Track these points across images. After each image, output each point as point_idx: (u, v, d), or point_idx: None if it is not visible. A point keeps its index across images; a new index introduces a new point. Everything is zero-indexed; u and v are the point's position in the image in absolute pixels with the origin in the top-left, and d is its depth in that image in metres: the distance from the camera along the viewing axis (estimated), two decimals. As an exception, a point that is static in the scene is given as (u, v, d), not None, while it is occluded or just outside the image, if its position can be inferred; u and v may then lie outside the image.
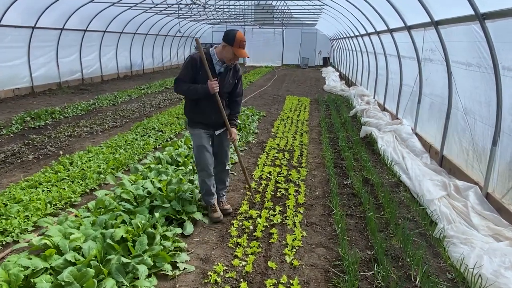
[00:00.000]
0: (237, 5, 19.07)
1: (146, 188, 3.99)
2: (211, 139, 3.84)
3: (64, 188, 4.41)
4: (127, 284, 2.66)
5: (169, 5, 15.14)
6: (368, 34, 10.96)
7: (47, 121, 8.08)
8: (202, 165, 3.75)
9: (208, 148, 3.75)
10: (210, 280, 2.92)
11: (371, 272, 3.10)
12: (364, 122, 8.35)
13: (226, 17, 23.54)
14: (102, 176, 4.88)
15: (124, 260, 2.73)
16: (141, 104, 10.60)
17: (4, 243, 3.34)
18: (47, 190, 4.37)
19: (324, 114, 9.84)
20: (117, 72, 17.92)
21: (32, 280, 2.51)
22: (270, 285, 2.86)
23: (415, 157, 5.88)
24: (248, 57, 3.46)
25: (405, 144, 6.58)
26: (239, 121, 3.78)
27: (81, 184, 4.58)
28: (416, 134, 6.76)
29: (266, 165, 5.66)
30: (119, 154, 5.75)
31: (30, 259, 2.71)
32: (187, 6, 15.83)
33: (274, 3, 17.48)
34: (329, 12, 14.85)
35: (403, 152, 6.06)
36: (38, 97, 11.42)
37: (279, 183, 4.99)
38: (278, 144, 6.81)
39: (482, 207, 4.05)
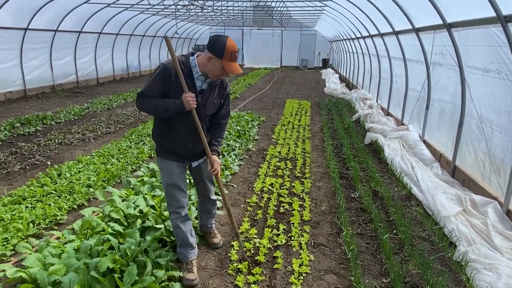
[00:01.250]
0: (236, 6, 18.77)
1: (138, 206, 3.65)
2: (186, 172, 3.11)
3: (49, 204, 4.06)
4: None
5: (166, 6, 14.83)
6: (371, 36, 10.64)
7: (37, 127, 7.73)
8: (174, 208, 2.94)
9: (182, 186, 2.95)
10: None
11: (388, 305, 2.77)
12: (369, 128, 8.03)
13: (224, 18, 23.25)
14: (91, 189, 4.53)
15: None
16: (136, 109, 10.24)
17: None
18: (31, 207, 4.02)
19: (326, 118, 9.52)
20: (113, 75, 17.57)
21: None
22: (276, 323, 2.53)
23: (425, 167, 5.56)
24: (242, 72, 2.80)
25: (412, 152, 6.26)
26: (221, 147, 3.13)
27: (68, 200, 4.24)
28: (424, 142, 6.44)
29: (267, 176, 5.33)
30: (111, 165, 5.41)
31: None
32: (184, 7, 15.51)
33: (273, 4, 17.20)
34: (330, 13, 14.55)
35: (412, 161, 5.74)
36: (30, 101, 11.05)
37: (282, 196, 4.66)
38: (279, 152, 6.48)
39: (504, 225, 3.73)
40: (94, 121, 8.52)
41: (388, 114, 9.22)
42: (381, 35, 9.24)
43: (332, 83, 17.22)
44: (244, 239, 3.63)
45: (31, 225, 3.62)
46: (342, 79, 19.38)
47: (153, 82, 2.69)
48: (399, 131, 7.26)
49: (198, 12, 18.99)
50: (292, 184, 5.04)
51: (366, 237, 3.78)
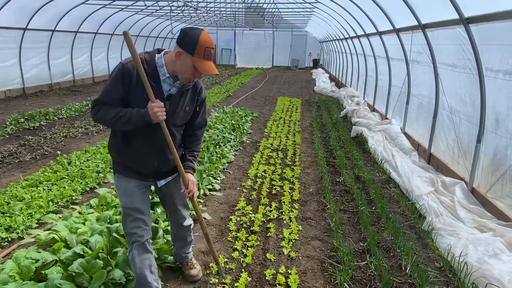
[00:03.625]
0: (228, 8, 19.24)
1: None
2: (150, 191, 2.63)
3: (64, 187, 4.50)
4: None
5: (160, 7, 15.26)
6: (358, 37, 11.20)
7: (41, 122, 8.12)
8: (132, 236, 2.39)
9: (144, 210, 2.41)
10: (212, 271, 3.06)
11: (364, 262, 3.27)
12: (355, 122, 8.57)
13: (217, 19, 23.70)
14: (101, 175, 4.98)
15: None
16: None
17: (9, 239, 3.43)
18: (48, 189, 4.45)
19: (316, 114, 10.04)
20: (108, 74, 17.89)
21: (43, 272, 2.62)
22: (270, 275, 3.02)
23: (404, 155, 6.09)
24: (217, 73, 2.18)
25: (394, 143, 6.79)
26: (196, 163, 2.61)
27: (81, 183, 4.68)
28: (405, 134, 6.98)
29: (261, 164, 5.82)
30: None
31: (39, 252, 2.83)
32: (178, 8, 15.94)
33: (264, 5, 17.71)
34: (319, 14, 15.09)
35: (393, 150, 6.27)
36: (29, 99, 11.40)
37: (274, 181, 5.15)
38: (271, 144, 6.97)
39: (468, 201, 4.26)
40: (94, 117, 8.92)
41: (373, 110, 9.77)
42: (367, 35, 9.79)
43: (322, 82, 17.77)
44: (240, 214, 4.11)
45: (50, 203, 4.06)
46: (332, 78, 19.95)
47: (111, 87, 2.18)
48: (382, 124, 7.80)
49: (191, 13, 19.45)
50: (284, 171, 5.54)
51: (348, 213, 4.28)
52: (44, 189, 4.43)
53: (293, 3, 14.06)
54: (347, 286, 2.90)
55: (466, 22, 4.08)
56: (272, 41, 28.79)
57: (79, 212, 3.69)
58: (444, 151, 5.27)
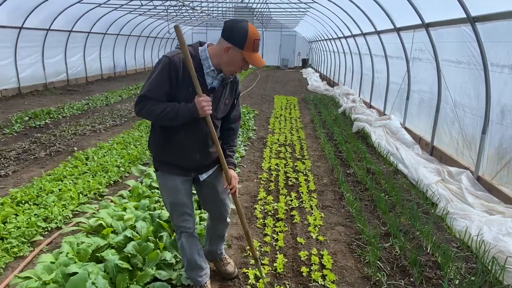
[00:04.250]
0: (219, 7, 19.39)
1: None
2: (195, 187, 2.59)
3: (88, 181, 4.62)
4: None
5: (155, 6, 15.31)
6: (353, 36, 11.52)
7: (46, 121, 8.15)
8: (181, 229, 2.49)
9: (189, 205, 2.47)
10: (249, 254, 3.26)
11: (388, 244, 3.51)
12: (355, 118, 8.86)
13: (207, 19, 23.78)
14: (121, 169, 5.11)
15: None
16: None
17: (49, 228, 3.55)
18: (73, 183, 4.57)
19: (314, 111, 10.31)
20: (101, 73, 17.86)
21: (98, 254, 2.77)
22: (304, 256, 3.23)
23: (407, 148, 6.39)
24: (265, 64, 2.25)
25: (395, 137, 7.09)
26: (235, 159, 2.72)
27: (104, 177, 4.80)
28: (405, 128, 7.29)
29: (272, 158, 6.02)
30: (130, 150, 5.98)
31: (89, 238, 2.97)
32: (171, 7, 16.02)
33: (256, 5, 17.93)
34: (313, 15, 15.38)
35: (396, 144, 6.56)
36: (27, 98, 11.34)
37: (288, 173, 5.36)
38: (278, 139, 7.18)
39: (475, 188, 4.56)
40: (98, 115, 8.99)
41: (370, 106, 10.09)
42: (364, 34, 10.11)
43: (314, 81, 18.10)
44: (263, 203, 4.31)
45: (80, 195, 4.18)
46: (323, 77, 20.30)
47: (157, 81, 2.13)
48: (382, 120, 8.11)
49: (183, 12, 19.52)
50: (295, 164, 5.76)
51: (364, 201, 4.53)
52: (69, 183, 4.54)
53: (287, 3, 14.30)
54: (378, 263, 3.14)
55: (473, 21, 4.38)
56: (262, 41, 29.00)
57: (113, 202, 3.83)
58: (448, 143, 5.57)
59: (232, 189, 2.43)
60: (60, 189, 4.30)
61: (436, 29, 5.66)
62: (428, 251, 3.41)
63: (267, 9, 18.55)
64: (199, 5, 16.75)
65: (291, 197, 4.50)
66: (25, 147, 6.19)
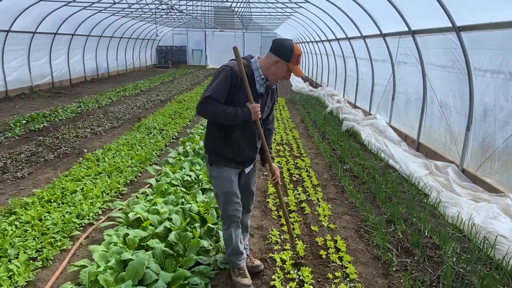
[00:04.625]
0: (199, 5, 19.56)
1: (190, 176, 4.60)
2: (238, 180, 2.90)
3: (107, 181, 4.87)
4: (214, 245, 3.31)
5: (141, 7, 15.40)
6: (338, 40, 12.06)
7: (44, 124, 8.25)
8: (232, 218, 2.81)
9: (238, 195, 2.82)
10: (271, 241, 3.63)
11: (391, 229, 3.97)
12: (343, 118, 9.36)
13: (186, 20, 23.90)
14: (135, 169, 5.38)
15: (209, 225, 3.38)
16: (127, 106, 10.92)
17: (83, 224, 3.82)
18: (92, 183, 4.81)
19: (303, 112, 10.77)
20: (84, 75, 17.77)
21: (144, 244, 3.08)
22: (320, 241, 3.63)
23: (395, 145, 6.92)
24: (304, 75, 2.83)
25: (383, 135, 7.62)
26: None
27: (120, 177, 5.06)
28: (391, 127, 7.83)
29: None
30: (137, 151, 6.23)
31: (129, 229, 3.28)
32: (157, 11, 16.16)
33: (239, 8, 18.25)
34: (296, 18, 15.86)
35: (385, 141, 7.08)
36: (16, 101, 11.30)
37: (291, 169, 5.77)
38: (275, 139, 7.58)
39: (460, 179, 5.09)
40: (93, 118, 9.14)
41: (355, 107, 10.63)
42: (349, 38, 10.64)
43: (297, 82, 18.60)
44: (274, 197, 4.69)
45: (103, 194, 4.45)
46: (305, 79, 20.84)
47: (220, 85, 2.53)
48: (369, 119, 8.64)
49: (164, 14, 19.61)
50: (295, 161, 6.17)
51: (363, 193, 4.98)
52: (88, 183, 4.78)
53: (273, 7, 14.71)
54: (388, 244, 3.58)
55: (458, 30, 4.91)
56: (243, 42, 29.37)
57: (138, 198, 4.12)
58: (435, 140, 6.11)
59: (275, 179, 2.89)
60: (82, 189, 4.55)
61: (422, 36, 6.19)
62: (426, 234, 3.88)
63: (249, 11, 18.92)
64: (178, 4, 16.88)
65: (298, 191, 4.90)
66: (32, 150, 6.35)
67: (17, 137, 7.19)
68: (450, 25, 5.01)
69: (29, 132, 7.61)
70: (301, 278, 3.06)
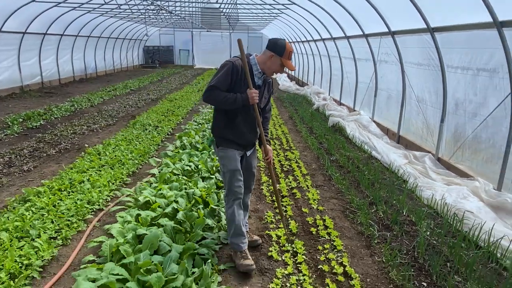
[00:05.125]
0: (186, 6, 19.83)
1: (190, 166, 4.99)
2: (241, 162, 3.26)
3: (110, 172, 5.21)
4: (216, 224, 3.71)
5: (130, 7, 15.62)
6: (323, 40, 12.55)
7: (41, 122, 8.49)
8: (236, 194, 3.15)
9: (242, 173, 3.19)
10: (267, 221, 4.05)
11: (373, 210, 4.42)
12: (329, 114, 9.84)
13: (173, 20, 24.12)
14: (136, 161, 5.72)
15: (212, 207, 3.77)
16: (119, 105, 11.19)
17: (94, 209, 4.16)
18: (97, 174, 5.14)
19: (291, 109, 11.23)
20: (73, 76, 17.89)
21: (155, 222, 3.46)
22: (311, 221, 4.06)
23: (377, 138, 7.42)
24: (294, 69, 3.02)
25: (366, 130, 8.12)
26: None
27: (123, 168, 5.40)
28: (374, 121, 8.34)
29: (264, 149, 6.82)
30: (136, 146, 6.57)
31: (139, 211, 3.65)
32: (140, 10, 16.39)
33: (225, 10, 18.61)
34: (283, 19, 16.32)
35: (369, 135, 7.58)
36: (8, 101, 11.45)
37: (282, 161, 6.19)
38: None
39: (436, 167, 5.60)
40: (88, 116, 9.40)
41: (340, 104, 11.14)
42: (333, 39, 11.14)
43: (284, 81, 19.08)
44: (267, 185, 5.11)
45: (109, 183, 4.79)
46: (291, 77, 21.35)
47: (224, 77, 2.94)
48: (353, 115, 9.14)
49: (151, 15, 19.83)
50: (286, 154, 6.60)
51: (348, 181, 5.44)
52: (94, 174, 5.11)
53: (260, 9, 15.13)
54: (371, 221, 4.04)
55: (432, 31, 5.41)
56: (229, 42, 29.73)
57: (143, 185, 4.48)
58: (413, 132, 6.62)
59: (268, 159, 3.27)
60: (88, 179, 4.88)
61: (401, 36, 6.70)
62: (404, 213, 4.35)
63: (236, 12, 19.30)
64: (167, 5, 17.15)
65: (289, 180, 5.33)
66: (33, 146, 6.62)
67: (16, 134, 7.44)
68: (425, 26, 5.50)
69: (27, 130, 7.86)
70: (294, 249, 3.48)
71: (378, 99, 8.33)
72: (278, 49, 2.99)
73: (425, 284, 3.07)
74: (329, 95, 12.64)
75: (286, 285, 2.99)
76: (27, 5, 11.79)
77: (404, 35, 6.58)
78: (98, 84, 16.82)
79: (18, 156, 6.00)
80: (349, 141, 7.67)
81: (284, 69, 3.18)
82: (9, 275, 2.90)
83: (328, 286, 2.94)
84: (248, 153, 3.30)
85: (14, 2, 11.48)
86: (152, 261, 2.76)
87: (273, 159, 3.42)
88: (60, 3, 12.86)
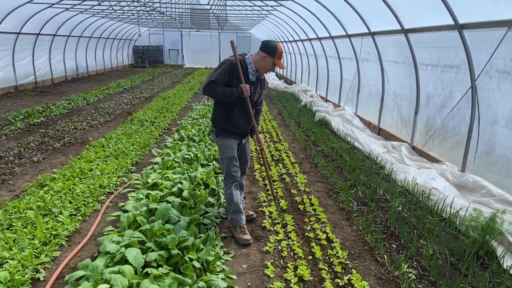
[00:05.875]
0: (175, 8, 20.25)
1: (189, 155, 5.51)
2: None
3: (116, 161, 5.69)
4: (216, 202, 4.24)
5: (122, 8, 16.01)
6: (310, 39, 13.15)
7: (41, 119, 8.89)
8: (233, 177, 3.61)
9: (237, 159, 3.66)
10: (260, 200, 4.59)
11: (354, 191, 5.01)
12: (316, 110, 10.44)
13: (163, 20, 24.49)
14: (138, 152, 6.21)
15: (212, 187, 4.31)
16: (115, 103, 11.61)
17: (105, 193, 4.65)
18: (104, 163, 5.62)
19: (280, 106, 11.80)
20: (65, 75, 18.17)
21: (164, 200, 3.98)
22: (299, 200, 4.62)
23: (360, 131, 8.03)
24: (284, 67, 3.51)
25: (350, 124, 8.73)
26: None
27: (127, 158, 5.89)
28: (358, 116, 8.95)
29: (255, 142, 7.37)
30: (136, 139, 7.05)
31: (149, 191, 4.16)
32: (131, 11, 16.78)
33: (214, 11, 19.10)
34: (271, 19, 16.88)
35: (352, 128, 8.19)
36: (4, 100, 11.76)
37: (272, 151, 6.75)
38: (256, 128, 8.54)
39: (411, 154, 6.22)
40: (86, 113, 9.82)
41: (326, 100, 11.75)
42: (319, 39, 11.74)
43: (272, 79, 19.65)
44: (259, 172, 5.65)
45: (116, 171, 5.28)
46: (279, 76, 21.94)
47: (222, 74, 3.38)
48: (338, 110, 9.75)
49: (141, 15, 20.18)
50: (276, 145, 7.16)
51: (332, 167, 6.02)
52: (101, 163, 5.59)
53: (250, 10, 15.65)
54: (350, 199, 4.62)
55: (406, 32, 6.02)
56: (219, 42, 30.20)
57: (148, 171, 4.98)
58: (390, 125, 7.24)
59: (261, 146, 3.75)
60: (96, 168, 5.36)
61: (380, 36, 7.31)
62: (380, 193, 4.94)
63: (225, 12, 19.79)
64: (158, 6, 17.57)
65: (279, 167, 5.88)
66: (38, 140, 7.04)
67: (19, 130, 7.84)
68: (400, 28, 6.12)
69: (29, 126, 8.26)
70: (284, 222, 4.04)
71: (361, 95, 8.94)
72: (271, 51, 3.41)
73: (394, 246, 3.66)
74: (316, 92, 13.24)
75: (278, 248, 3.54)
76: (21, 7, 12.12)
77: (382, 36, 7.20)
78: (91, 83, 17.15)
79: (26, 149, 6.44)
80: (334, 134, 8.27)
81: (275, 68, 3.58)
82: (41, 243, 3.39)
83: (313, 248, 3.50)
84: (243, 141, 3.77)
85: (10, 3, 11.81)
86: (166, 228, 3.28)
87: (265, 146, 3.86)
88: (54, 4, 13.22)
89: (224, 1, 14.95)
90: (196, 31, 29.19)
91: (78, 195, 4.40)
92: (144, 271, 2.76)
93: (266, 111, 10.91)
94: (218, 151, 3.78)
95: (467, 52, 4.71)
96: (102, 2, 13.93)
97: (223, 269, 3.14)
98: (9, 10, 11.97)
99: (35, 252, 3.22)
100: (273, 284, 2.98)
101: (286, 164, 6.04)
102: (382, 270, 3.25)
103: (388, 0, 6.04)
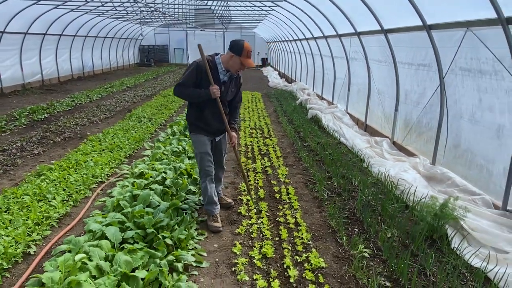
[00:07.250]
0: (180, 8, 20.67)
1: (178, 148, 5.87)
2: (211, 145, 3.87)
3: (110, 154, 6.07)
4: (197, 191, 4.59)
5: (126, 8, 16.46)
6: (307, 39, 13.45)
7: (45, 115, 9.33)
8: (207, 172, 3.77)
9: (211, 155, 3.80)
10: (241, 190, 4.93)
11: (330, 182, 5.32)
12: (309, 107, 10.74)
13: (168, 20, 24.93)
14: (132, 146, 6.59)
15: (195, 177, 4.66)
16: (116, 100, 12.04)
17: (97, 182, 5.03)
18: (99, 156, 6.01)
19: (277, 104, 12.12)
20: (71, 74, 18.70)
21: (148, 187, 4.34)
22: (277, 189, 4.95)
23: (348, 128, 8.32)
24: (255, 66, 4.03)
25: (340, 121, 9.02)
26: (237, 125, 4.13)
27: (121, 152, 6.27)
28: (348, 113, 9.24)
29: (246, 137, 7.72)
30: (132, 134, 7.43)
31: (135, 179, 4.52)
32: (135, 11, 17.25)
33: (218, 11, 19.48)
34: (271, 19, 17.20)
35: (341, 124, 8.48)
36: (11, 97, 12.26)
37: (260, 146, 7.08)
38: (249, 125, 8.89)
39: (391, 149, 6.51)
40: (88, 110, 10.25)
41: (322, 98, 12.04)
42: (315, 38, 12.03)
43: (274, 78, 19.98)
44: (245, 164, 5.99)
45: (109, 162, 5.66)
46: (281, 75, 22.25)
47: (189, 76, 3.50)
48: (331, 108, 10.04)
49: (146, 15, 20.65)
50: (265, 141, 7.49)
51: (315, 161, 6.33)
52: (96, 156, 5.97)
53: (250, 10, 15.99)
54: (324, 189, 4.94)
55: (385, 32, 6.31)
56: (223, 41, 30.59)
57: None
58: (375, 121, 7.53)
59: (232, 144, 3.92)
60: (91, 160, 5.75)
61: (365, 36, 7.60)
62: (355, 184, 5.25)
63: (228, 12, 20.17)
64: (161, 7, 17.99)
65: (264, 160, 6.22)
66: (40, 135, 7.47)
67: (23, 126, 8.28)
68: (380, 28, 6.40)
69: (33, 122, 8.70)
70: (259, 209, 4.37)
71: (351, 93, 9.23)
72: (237, 50, 3.45)
73: (356, 230, 3.98)
74: (313, 90, 13.54)
75: (249, 231, 3.88)
76: (28, 8, 12.61)
77: (367, 36, 7.48)
78: (96, 82, 17.63)
79: (28, 143, 6.86)
80: (324, 130, 8.57)
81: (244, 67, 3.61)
82: (34, 223, 3.77)
83: (281, 230, 3.83)
84: (217, 138, 3.92)
85: (17, 5, 12.30)
86: (145, 211, 3.64)
87: (238, 143, 4.11)
88: (59, 5, 13.69)
89: (226, 1, 15.34)
90: (201, 30, 29.61)
91: (72, 183, 4.78)
92: (121, 246, 3.11)
93: (262, 108, 11.24)
94: (192, 147, 4.07)
95: (435, 51, 4.99)
96: (105, 4, 14.39)
97: (195, 247, 3.48)
98: (17, 11, 12.47)
99: (28, 231, 3.60)
100: (237, 260, 3.32)
101: (272, 157, 6.37)
102: (340, 250, 3.57)
103: (368, 2, 6.33)
